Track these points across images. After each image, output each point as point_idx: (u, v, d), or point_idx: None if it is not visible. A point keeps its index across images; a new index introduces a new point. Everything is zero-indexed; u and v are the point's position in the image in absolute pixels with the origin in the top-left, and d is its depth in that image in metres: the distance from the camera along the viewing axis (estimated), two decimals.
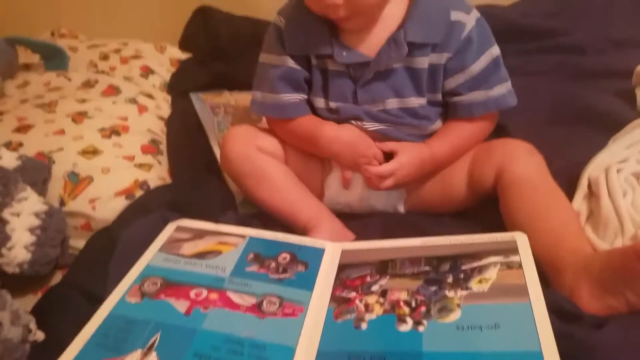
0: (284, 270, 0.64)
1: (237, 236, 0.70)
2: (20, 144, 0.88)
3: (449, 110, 0.78)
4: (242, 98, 1.15)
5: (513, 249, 0.59)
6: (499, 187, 0.71)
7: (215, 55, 1.32)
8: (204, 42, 1.34)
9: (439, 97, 0.77)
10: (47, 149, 0.86)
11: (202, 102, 1.12)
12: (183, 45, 1.40)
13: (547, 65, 1.01)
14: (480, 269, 0.57)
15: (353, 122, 0.77)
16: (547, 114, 0.89)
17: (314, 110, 0.80)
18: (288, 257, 0.66)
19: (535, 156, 0.72)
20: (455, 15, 0.73)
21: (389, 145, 0.76)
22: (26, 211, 0.73)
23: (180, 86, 1.20)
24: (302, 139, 0.79)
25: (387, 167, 0.74)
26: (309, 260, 0.66)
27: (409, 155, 0.74)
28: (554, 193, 0.68)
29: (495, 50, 0.75)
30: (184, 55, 1.37)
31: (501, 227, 0.69)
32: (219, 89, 1.19)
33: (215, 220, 0.75)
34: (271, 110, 0.80)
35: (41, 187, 0.80)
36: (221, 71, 1.24)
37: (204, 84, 1.19)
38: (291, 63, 0.76)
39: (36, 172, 0.80)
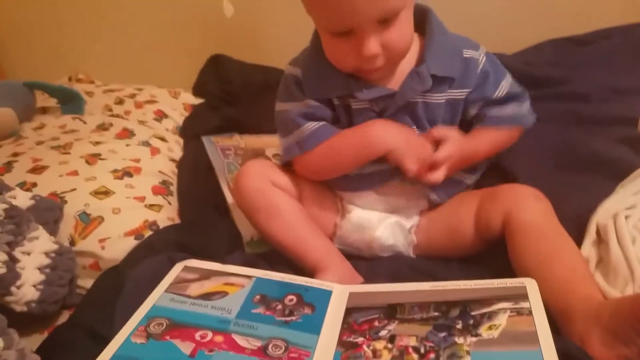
0: (291, 313, 0.64)
1: (244, 277, 0.70)
2: (35, 184, 0.90)
3: (473, 122, 0.82)
4: (252, 141, 1.18)
5: (523, 295, 0.58)
6: (506, 233, 0.71)
7: (227, 101, 1.36)
8: (217, 88, 1.38)
9: (457, 124, 0.80)
10: (60, 190, 0.88)
11: (213, 145, 1.15)
12: (196, 91, 1.44)
13: (552, 112, 1.02)
14: (490, 315, 0.56)
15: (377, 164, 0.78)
16: (553, 161, 0.89)
17: None
18: (295, 299, 0.66)
19: (542, 201, 0.72)
20: (467, 53, 0.77)
21: (439, 132, 0.77)
22: (37, 250, 0.74)
23: (192, 129, 1.22)
24: (348, 153, 0.77)
25: (442, 153, 0.74)
26: (316, 302, 0.65)
27: (456, 145, 0.76)
28: (562, 238, 0.68)
29: (509, 77, 0.81)
30: (197, 101, 1.40)
31: (511, 272, 0.68)
32: (229, 132, 1.22)
33: (222, 260, 0.75)
34: (304, 144, 0.78)
35: (53, 227, 0.81)
36: (232, 115, 1.27)
37: (215, 128, 1.22)
38: (313, 103, 0.77)
39: (48, 212, 0.82)
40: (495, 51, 1.27)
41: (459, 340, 0.54)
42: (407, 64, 0.75)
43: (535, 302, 0.57)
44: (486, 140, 0.81)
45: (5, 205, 0.75)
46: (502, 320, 0.55)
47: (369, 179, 0.80)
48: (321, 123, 0.78)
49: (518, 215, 0.70)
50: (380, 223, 0.81)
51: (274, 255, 0.81)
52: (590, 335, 0.56)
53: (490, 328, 0.55)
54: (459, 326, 0.56)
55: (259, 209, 0.78)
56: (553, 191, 0.75)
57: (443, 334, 0.55)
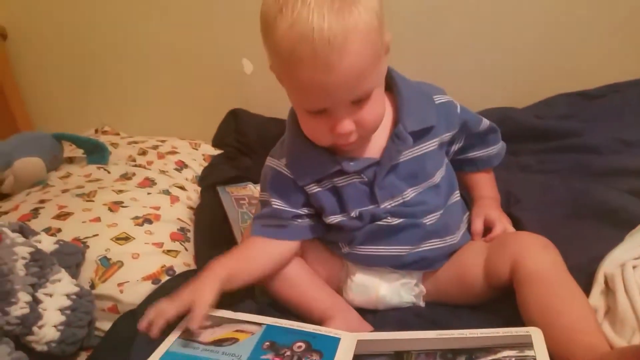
0: (299, 359, 0.65)
1: (254, 324, 0.72)
2: (59, 230, 0.94)
3: (464, 166, 0.89)
4: None
5: (528, 344, 0.59)
6: (514, 281, 0.71)
7: (243, 152, 1.41)
8: (234, 140, 1.43)
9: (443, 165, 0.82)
10: (82, 235, 0.92)
11: (228, 195, 1.18)
12: (215, 142, 1.50)
13: (562, 164, 1.04)
14: None
15: (378, 222, 0.78)
16: (562, 210, 0.91)
17: (331, 227, 0.81)
18: (303, 345, 0.67)
19: (551, 250, 0.72)
20: (439, 98, 0.80)
21: (480, 225, 0.84)
22: (59, 292, 0.77)
23: (209, 179, 1.26)
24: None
25: (497, 232, 0.82)
26: (324, 349, 0.66)
27: (497, 212, 0.85)
28: (569, 288, 0.68)
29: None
30: (216, 152, 1.45)
31: (520, 319, 0.68)
32: (245, 182, 1.26)
33: (234, 308, 0.76)
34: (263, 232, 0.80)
35: (74, 270, 0.84)
36: (247, 166, 1.31)
37: (231, 178, 1.26)
38: (277, 206, 0.80)
39: (71, 256, 0.85)
40: (506, 104, 1.32)
41: None
42: (381, 130, 0.75)
43: (540, 351, 0.57)
44: (492, 182, 0.91)
45: (30, 249, 0.79)
46: None
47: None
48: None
49: (525, 263, 0.70)
50: (385, 283, 0.81)
51: (284, 306, 0.82)
52: None
53: None
54: None
55: None
56: (561, 240, 0.75)
57: None
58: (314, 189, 0.78)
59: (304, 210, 0.80)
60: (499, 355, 0.58)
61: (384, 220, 0.78)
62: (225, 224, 1.07)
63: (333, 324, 0.73)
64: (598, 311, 0.69)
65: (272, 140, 1.38)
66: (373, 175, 0.76)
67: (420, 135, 0.77)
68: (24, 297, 0.72)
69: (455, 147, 0.86)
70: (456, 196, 0.84)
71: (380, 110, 0.72)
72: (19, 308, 0.71)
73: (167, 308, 0.68)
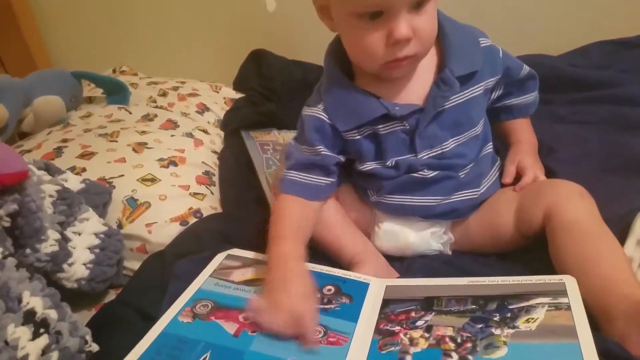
0: (329, 302, 0.65)
1: None
2: (84, 169, 0.93)
3: (500, 114, 0.86)
4: (289, 137, 1.19)
5: (561, 292, 0.58)
6: (548, 230, 0.70)
7: (267, 96, 1.38)
8: (257, 84, 1.40)
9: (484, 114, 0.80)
10: (108, 175, 0.91)
11: (252, 140, 1.17)
12: (237, 85, 1.47)
13: (597, 115, 1.00)
14: (528, 309, 0.56)
15: (413, 174, 0.76)
16: (596, 162, 0.88)
17: (362, 174, 0.79)
18: (333, 289, 0.68)
19: (587, 199, 0.70)
20: (484, 42, 0.77)
21: (512, 170, 0.82)
22: (87, 231, 0.77)
23: (232, 123, 1.24)
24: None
25: (526, 181, 0.79)
26: (353, 293, 0.67)
27: (531, 158, 0.83)
28: (605, 237, 0.67)
29: None
30: (237, 95, 1.42)
31: (549, 269, 0.67)
32: (268, 127, 1.24)
33: (263, 251, 0.76)
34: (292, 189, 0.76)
35: (101, 210, 0.84)
36: (271, 111, 1.29)
37: (254, 123, 1.24)
38: (323, 152, 0.76)
39: (98, 196, 0.85)
40: (541, 52, 1.27)
41: (496, 331, 0.54)
42: (426, 71, 0.73)
43: (575, 299, 0.57)
44: (529, 127, 0.88)
45: (57, 187, 0.78)
46: (540, 314, 0.55)
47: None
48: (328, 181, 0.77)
49: (561, 212, 0.69)
50: (413, 231, 0.80)
51: (312, 247, 0.81)
52: (631, 334, 0.55)
53: (527, 321, 0.55)
54: (496, 319, 0.56)
55: None
56: (596, 192, 0.73)
57: (480, 325, 0.56)
58: (354, 135, 0.76)
59: (341, 158, 0.78)
60: (532, 302, 0.58)
61: (420, 172, 0.76)
62: (249, 170, 1.06)
63: (362, 269, 0.73)
64: (633, 261, 0.68)
65: (297, 84, 1.37)
66: (415, 123, 0.74)
67: (465, 80, 0.74)
68: (53, 234, 0.72)
69: (494, 95, 0.83)
70: (489, 147, 0.82)
71: (435, 26, 0.69)
72: (49, 245, 0.71)
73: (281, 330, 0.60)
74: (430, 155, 0.76)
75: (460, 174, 0.77)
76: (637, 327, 0.55)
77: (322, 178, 0.77)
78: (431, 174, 0.76)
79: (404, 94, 0.74)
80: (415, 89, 0.74)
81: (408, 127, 0.74)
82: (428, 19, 0.66)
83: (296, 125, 0.81)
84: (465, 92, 0.74)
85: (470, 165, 0.77)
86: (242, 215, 0.90)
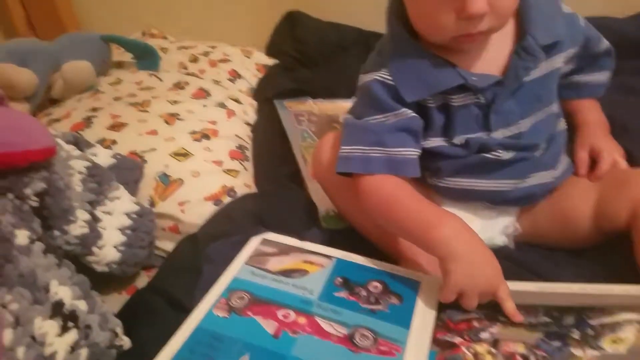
0: (376, 301, 0.60)
1: (324, 256, 0.67)
2: (114, 142, 0.89)
3: (563, 91, 0.74)
4: (325, 107, 1.14)
5: None
6: (633, 228, 0.61)
7: (301, 61, 1.31)
8: (292, 49, 1.33)
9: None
10: (139, 149, 0.87)
11: (286, 110, 1.11)
12: (270, 51, 1.40)
13: None
14: (613, 327, 0.50)
15: (485, 154, 0.68)
16: None
17: (428, 152, 0.69)
18: (379, 286, 0.62)
19: None
20: (565, 8, 0.69)
21: (585, 156, 0.75)
22: (118, 210, 0.73)
23: (266, 92, 1.19)
24: (404, 219, 0.63)
25: (604, 168, 0.72)
26: (403, 293, 0.61)
27: (606, 140, 0.75)
28: None
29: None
30: (269, 61, 1.36)
31: (629, 271, 0.59)
32: (302, 95, 1.18)
33: (300, 235, 0.72)
34: (376, 167, 0.65)
35: (133, 187, 0.80)
36: (306, 78, 1.22)
37: (288, 91, 1.18)
38: (409, 113, 0.65)
39: (129, 172, 0.81)
40: (606, 14, 1.16)
41: (577, 352, 0.49)
42: (501, 41, 0.64)
43: None
44: (597, 106, 0.80)
45: (87, 163, 0.74)
46: (628, 333, 0.49)
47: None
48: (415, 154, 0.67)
49: None
50: (478, 219, 0.72)
51: (352, 234, 0.76)
52: None
53: (614, 342, 0.49)
54: (576, 336, 0.51)
55: (343, 185, 0.70)
56: None
57: (557, 344, 0.50)
58: (425, 104, 0.66)
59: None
60: (617, 318, 0.51)
61: (493, 152, 0.67)
62: (284, 143, 1.01)
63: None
64: None
65: (334, 49, 1.30)
66: (492, 97, 0.65)
67: (547, 50, 0.65)
68: (82, 215, 0.68)
69: (567, 68, 0.73)
70: (563, 123, 0.74)
71: None
72: (78, 227, 0.67)
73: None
74: (506, 134, 0.67)
75: (536, 154, 0.69)
76: None
77: (411, 150, 0.66)
78: (507, 155, 0.67)
79: (479, 63, 0.65)
80: (492, 58, 0.65)
81: (484, 101, 0.66)
82: None
83: (332, 93, 0.73)
84: (547, 63, 0.66)
85: (546, 145, 0.70)
86: (277, 195, 0.86)
